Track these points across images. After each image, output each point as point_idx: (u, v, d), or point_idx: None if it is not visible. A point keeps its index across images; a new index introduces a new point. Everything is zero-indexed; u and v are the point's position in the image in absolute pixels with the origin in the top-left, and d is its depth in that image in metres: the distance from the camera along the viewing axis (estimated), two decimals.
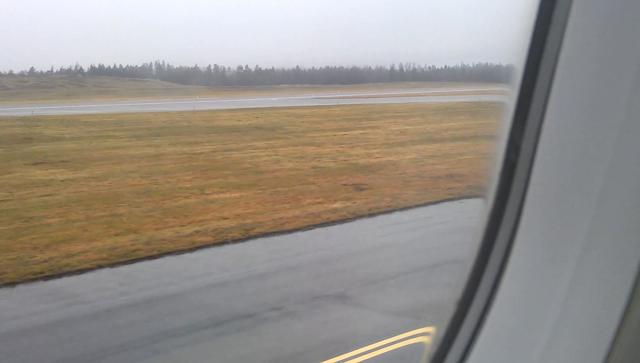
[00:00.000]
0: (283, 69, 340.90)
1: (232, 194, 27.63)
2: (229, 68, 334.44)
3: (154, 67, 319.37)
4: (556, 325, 1.48)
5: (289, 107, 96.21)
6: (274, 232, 21.37)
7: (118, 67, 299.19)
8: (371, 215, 23.87)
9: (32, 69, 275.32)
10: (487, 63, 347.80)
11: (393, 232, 21.20)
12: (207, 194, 27.81)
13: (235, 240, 20.26)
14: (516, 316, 1.56)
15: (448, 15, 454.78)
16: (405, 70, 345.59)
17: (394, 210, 24.70)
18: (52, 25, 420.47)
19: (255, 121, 67.78)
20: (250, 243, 19.98)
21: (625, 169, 1.34)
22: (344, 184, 29.91)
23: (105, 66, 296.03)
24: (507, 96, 1.55)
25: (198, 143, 46.26)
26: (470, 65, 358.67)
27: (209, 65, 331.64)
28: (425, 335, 11.48)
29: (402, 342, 11.66)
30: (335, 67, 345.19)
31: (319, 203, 26.05)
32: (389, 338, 11.80)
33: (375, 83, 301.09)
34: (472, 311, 1.68)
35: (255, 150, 41.70)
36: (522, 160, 1.51)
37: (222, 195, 27.55)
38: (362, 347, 11.63)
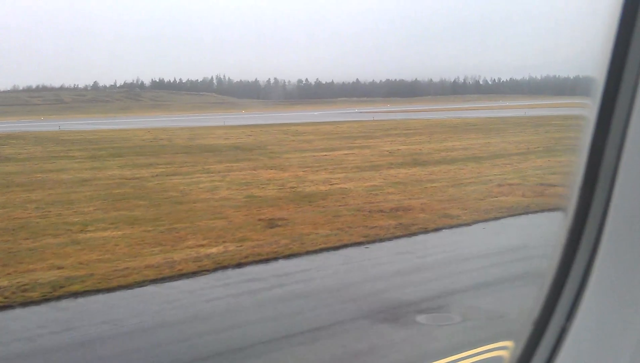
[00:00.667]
0: (343, 82, 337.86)
1: (114, 233, 23.55)
2: (289, 82, 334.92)
3: (215, 81, 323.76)
4: (637, 349, 1.41)
5: (300, 123, 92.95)
6: (90, 291, 17.00)
7: (178, 81, 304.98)
8: (239, 265, 19.17)
9: (95, 83, 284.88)
10: (555, 75, 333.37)
11: (222, 296, 16.34)
12: (87, 232, 23.83)
13: (25, 303, 16.05)
14: (595, 337, 1.50)
15: (519, 27, 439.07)
16: (468, 82, 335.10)
17: (276, 258, 19.92)
18: (117, 40, 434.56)
19: (244, 140, 64.00)
20: (34, 309, 15.68)
21: None
22: (260, 220, 25.39)
23: (166, 80, 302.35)
24: (587, 107, 1.51)
25: (151, 164, 42.85)
26: (539, 77, 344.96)
27: (269, 79, 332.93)
28: (503, 349, 10.84)
29: (478, 356, 11.16)
30: (395, 80, 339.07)
31: (200, 246, 21.54)
32: (466, 352, 11.30)
33: (434, 96, 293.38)
34: (550, 329, 1.64)
35: (203, 174, 37.64)
36: (604, 173, 1.47)
37: (101, 233, 23.52)
38: None
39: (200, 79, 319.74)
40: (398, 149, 50.34)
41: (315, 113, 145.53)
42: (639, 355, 1.41)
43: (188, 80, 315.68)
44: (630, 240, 1.41)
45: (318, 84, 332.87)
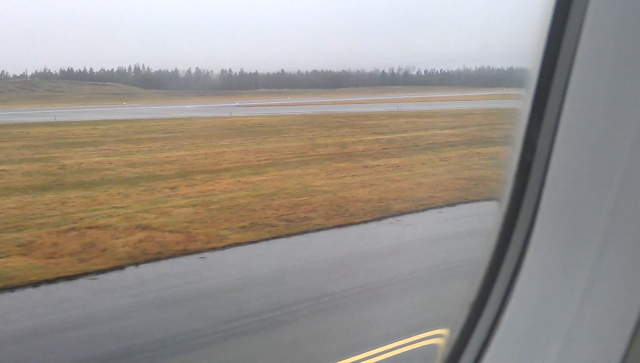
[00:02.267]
0: (267, 72, 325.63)
1: None
2: (211, 71, 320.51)
3: (132, 70, 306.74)
4: (571, 329, 1.47)
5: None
6: None
7: (89, 70, 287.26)
8: None
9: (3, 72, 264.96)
10: (490, 67, 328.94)
11: None
12: None
13: None
14: (530, 319, 1.56)
15: (455, 18, 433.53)
16: (398, 74, 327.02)
17: None
18: (27, 25, 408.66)
19: None
20: None
21: None
22: None
23: (75, 70, 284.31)
24: (522, 97, 1.55)
25: None
26: (473, 69, 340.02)
27: (189, 68, 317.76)
28: (438, 337, 11.19)
29: (415, 344, 11.41)
30: (322, 70, 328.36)
31: None
32: (402, 340, 11.56)
33: (359, 88, 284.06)
34: (485, 314, 1.69)
35: None
36: (538, 162, 1.51)
37: None
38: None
39: (115, 69, 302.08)
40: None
41: (188, 107, 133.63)
42: (570, 338, 1.45)
43: (102, 69, 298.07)
44: (561, 228, 1.46)
45: (242, 74, 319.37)
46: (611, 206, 1.37)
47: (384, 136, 53.62)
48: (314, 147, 46.44)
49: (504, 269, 1.63)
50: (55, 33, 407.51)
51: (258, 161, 39.60)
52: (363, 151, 44.20)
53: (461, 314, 1.76)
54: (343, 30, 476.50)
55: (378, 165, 38.06)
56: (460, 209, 25.50)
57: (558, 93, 1.45)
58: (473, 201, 26.80)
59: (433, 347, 10.79)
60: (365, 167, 37.63)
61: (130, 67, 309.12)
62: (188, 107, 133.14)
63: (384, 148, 45.95)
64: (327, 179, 32.68)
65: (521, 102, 1.55)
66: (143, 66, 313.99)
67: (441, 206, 25.80)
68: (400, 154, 43.27)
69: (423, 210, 25.15)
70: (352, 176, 33.83)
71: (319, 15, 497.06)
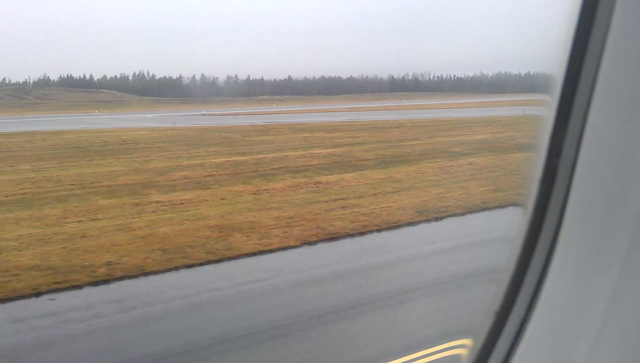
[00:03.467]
0: (274, 79, 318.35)
1: None
2: (216, 78, 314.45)
3: (136, 77, 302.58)
4: (597, 337, 1.44)
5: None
6: None
7: (88, 77, 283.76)
8: None
9: (5, 79, 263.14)
10: (507, 72, 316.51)
11: None
12: None
13: None
14: (556, 327, 1.54)
15: (474, 23, 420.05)
16: (408, 79, 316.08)
17: None
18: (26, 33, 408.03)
19: None
20: None
21: None
22: None
23: (75, 77, 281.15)
24: (547, 103, 1.54)
25: None
26: (490, 74, 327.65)
27: (194, 75, 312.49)
28: (461, 347, 11.07)
29: (438, 354, 11.28)
30: (330, 76, 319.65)
31: None
32: (424, 350, 11.47)
33: (363, 94, 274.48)
34: (510, 322, 1.67)
35: None
36: (563, 168, 1.51)
37: None
38: None
39: (118, 75, 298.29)
40: None
41: (149, 115, 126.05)
42: (596, 346, 1.43)
43: (103, 76, 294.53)
44: (587, 234, 1.44)
45: (248, 81, 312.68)
46: (637, 212, 1.34)
47: (243, 158, 44.21)
48: (129, 172, 37.42)
49: (529, 276, 1.60)
50: (56, 40, 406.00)
51: None
52: (175, 180, 34.92)
53: (485, 323, 1.72)
54: (353, 36, 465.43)
55: (160, 202, 28.87)
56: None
57: (584, 98, 1.43)
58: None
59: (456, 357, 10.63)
60: (137, 205, 28.54)
61: (134, 73, 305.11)
62: (149, 116, 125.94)
63: (209, 175, 36.66)
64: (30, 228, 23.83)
65: (545, 107, 1.53)
66: (148, 72, 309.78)
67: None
68: (221, 183, 33.94)
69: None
70: (92, 220, 25.02)
71: (328, 20, 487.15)
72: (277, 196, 30.74)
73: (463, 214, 26.20)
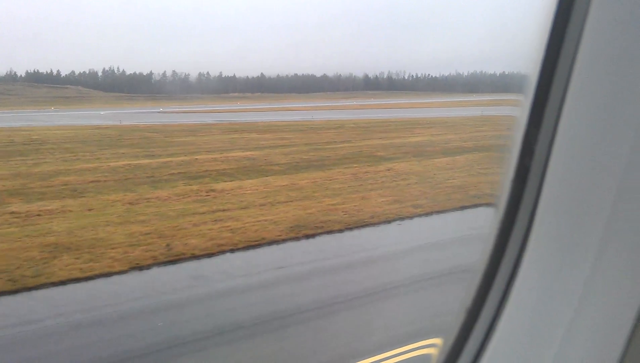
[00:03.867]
0: (247, 76, 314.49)
1: None
2: (187, 75, 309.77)
3: (107, 73, 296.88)
4: (567, 333, 1.47)
5: None
6: None
7: (55, 73, 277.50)
8: None
9: None
10: (482, 72, 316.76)
11: None
12: None
13: None
14: (527, 323, 1.56)
15: (449, 23, 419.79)
16: (381, 78, 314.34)
17: None
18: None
19: None
20: None
21: (639, 176, 1.34)
22: None
23: (42, 72, 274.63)
24: (520, 102, 1.55)
25: None
26: (465, 74, 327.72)
27: (164, 71, 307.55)
28: (432, 347, 10.89)
29: (408, 354, 11.24)
30: (303, 74, 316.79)
31: None
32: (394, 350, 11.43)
33: (334, 92, 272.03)
34: (481, 319, 1.68)
35: None
36: (535, 167, 1.51)
37: None
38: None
39: (87, 71, 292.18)
40: None
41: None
42: (566, 343, 1.45)
43: (72, 72, 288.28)
44: (558, 232, 1.46)
45: (220, 78, 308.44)
46: (608, 212, 1.36)
47: (147, 161, 41.20)
48: (8, 177, 34.19)
49: (501, 273, 1.61)
50: (24, 35, 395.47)
51: None
52: (52, 187, 31.88)
53: (456, 320, 1.74)
54: (329, 34, 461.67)
55: (16, 213, 26.12)
56: None
57: (557, 98, 1.44)
58: None
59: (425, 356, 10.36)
60: None
61: (104, 69, 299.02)
62: (102, 113, 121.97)
63: (94, 180, 33.68)
64: None
65: (519, 107, 1.53)
66: (118, 68, 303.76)
67: None
68: (102, 190, 31.01)
69: None
70: None
71: (303, 17, 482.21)
72: (153, 206, 27.85)
73: (340, 231, 23.54)
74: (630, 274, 1.36)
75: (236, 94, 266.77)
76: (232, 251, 20.83)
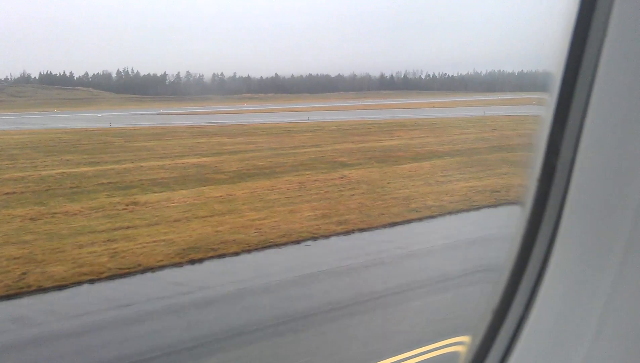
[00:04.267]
0: (261, 77, 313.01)
1: None
2: (201, 75, 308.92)
3: (122, 74, 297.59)
4: (595, 336, 1.45)
5: None
6: None
7: (69, 74, 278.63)
8: None
9: None
10: (500, 71, 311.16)
11: None
12: None
13: None
14: (555, 324, 1.54)
15: (467, 21, 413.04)
16: (397, 77, 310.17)
17: None
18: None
19: None
20: None
21: None
22: None
23: (55, 74, 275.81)
24: (545, 101, 1.54)
25: None
26: (483, 73, 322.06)
27: (178, 72, 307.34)
28: (460, 344, 10.81)
29: (435, 352, 11.21)
30: (318, 74, 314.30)
31: None
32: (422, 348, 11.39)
33: (348, 92, 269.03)
34: (509, 320, 1.67)
35: None
36: (561, 166, 1.50)
37: None
38: None
39: (100, 72, 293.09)
40: None
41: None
42: (595, 344, 1.43)
43: (85, 73, 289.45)
44: (585, 232, 1.44)
45: (234, 78, 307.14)
46: (635, 210, 1.34)
47: (86, 169, 38.64)
48: None
49: (528, 274, 1.60)
50: (38, 37, 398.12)
51: None
52: None
53: (483, 320, 1.72)
54: (346, 34, 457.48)
55: None
56: None
57: (582, 96, 1.42)
58: None
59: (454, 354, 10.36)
60: None
61: (118, 70, 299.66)
62: (100, 115, 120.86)
63: (10, 192, 31.05)
64: None
65: (543, 106, 1.52)
66: (132, 69, 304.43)
67: None
68: (11, 204, 28.44)
69: None
70: None
71: (317, 17, 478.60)
72: (53, 223, 25.10)
73: (235, 254, 20.49)
74: None
75: (249, 95, 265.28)
76: (91, 281, 17.89)
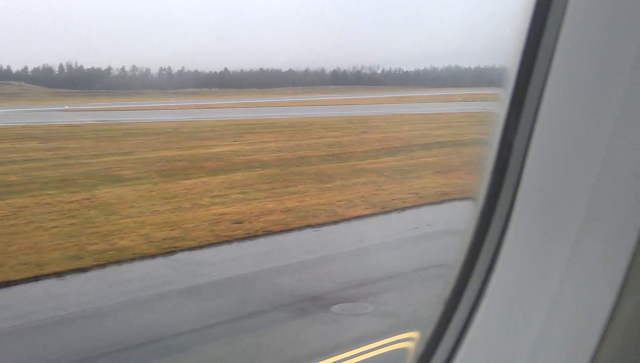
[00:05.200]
0: (209, 71, 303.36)
1: None
2: (148, 69, 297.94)
3: (64, 67, 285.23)
4: (544, 325, 1.48)
5: None
6: None
7: (5, 68, 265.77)
8: None
9: None
10: (457, 66, 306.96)
11: None
12: None
13: None
14: (504, 315, 1.58)
15: (426, 17, 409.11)
16: (349, 73, 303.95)
17: None
18: None
19: None
20: None
21: (617, 169, 1.35)
22: None
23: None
24: (500, 95, 1.56)
25: None
26: (440, 68, 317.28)
27: (123, 66, 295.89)
28: (409, 340, 10.99)
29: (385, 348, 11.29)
30: (269, 69, 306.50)
31: None
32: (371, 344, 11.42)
33: (291, 87, 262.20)
34: (459, 311, 1.69)
35: None
36: (514, 159, 1.52)
37: None
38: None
39: (40, 67, 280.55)
40: None
41: None
42: (543, 334, 1.46)
43: (26, 67, 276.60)
44: (536, 225, 1.48)
45: (181, 72, 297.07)
46: (586, 206, 1.38)
47: None
48: None
49: (479, 265, 1.62)
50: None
51: None
52: None
53: (434, 312, 1.75)
54: (293, 27, 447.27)
55: None
56: None
57: (536, 91, 1.44)
58: None
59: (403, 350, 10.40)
60: None
61: (61, 64, 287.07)
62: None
63: None
64: None
65: (498, 100, 1.54)
66: (76, 63, 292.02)
67: None
68: None
69: None
70: None
71: (265, 10, 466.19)
72: None
73: None
74: (606, 269, 1.37)
75: (192, 89, 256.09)
76: None
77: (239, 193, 28.02)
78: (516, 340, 1.51)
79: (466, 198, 20.69)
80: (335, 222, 22.73)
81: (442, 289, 1.71)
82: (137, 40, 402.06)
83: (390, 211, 24.16)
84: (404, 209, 24.47)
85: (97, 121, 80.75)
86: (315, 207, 24.64)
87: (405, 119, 70.87)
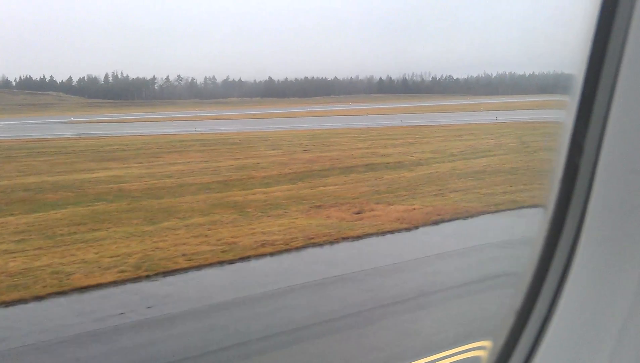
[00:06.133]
0: (254, 80, 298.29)
1: None
2: (192, 79, 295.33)
3: (110, 78, 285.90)
4: (619, 338, 1.43)
5: None
6: None
7: (48, 79, 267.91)
8: None
9: None
10: (511, 73, 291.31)
11: None
12: None
13: None
14: (578, 327, 1.53)
15: (480, 23, 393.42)
16: (397, 81, 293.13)
17: None
18: None
19: None
20: None
21: None
22: None
23: (34, 78, 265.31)
24: (567, 102, 1.53)
25: None
26: (493, 75, 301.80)
27: (167, 75, 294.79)
28: (481, 349, 10.47)
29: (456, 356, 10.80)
30: (313, 78, 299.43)
31: None
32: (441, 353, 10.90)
33: (334, 96, 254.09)
34: (531, 322, 1.64)
35: None
36: (585, 167, 1.48)
37: None
38: None
39: (85, 77, 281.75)
40: None
41: None
42: (618, 347, 1.42)
43: (70, 77, 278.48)
44: (609, 233, 1.42)
45: (226, 82, 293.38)
46: None
47: None
48: None
49: (551, 275, 1.57)
50: (24, 39, 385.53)
51: None
52: None
53: (505, 322, 1.69)
54: (340, 36, 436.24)
55: None
56: None
57: (604, 97, 1.40)
58: None
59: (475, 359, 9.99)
60: None
61: (107, 74, 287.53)
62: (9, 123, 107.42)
63: None
64: None
65: (565, 107, 1.52)
66: (122, 73, 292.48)
67: None
68: None
69: None
70: None
71: (313, 20, 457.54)
72: None
73: None
74: None
75: (234, 99, 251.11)
76: None
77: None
78: (590, 353, 1.46)
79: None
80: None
81: (512, 299, 1.65)
82: (184, 50, 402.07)
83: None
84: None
85: (78, 135, 72.35)
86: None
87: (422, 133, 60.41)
